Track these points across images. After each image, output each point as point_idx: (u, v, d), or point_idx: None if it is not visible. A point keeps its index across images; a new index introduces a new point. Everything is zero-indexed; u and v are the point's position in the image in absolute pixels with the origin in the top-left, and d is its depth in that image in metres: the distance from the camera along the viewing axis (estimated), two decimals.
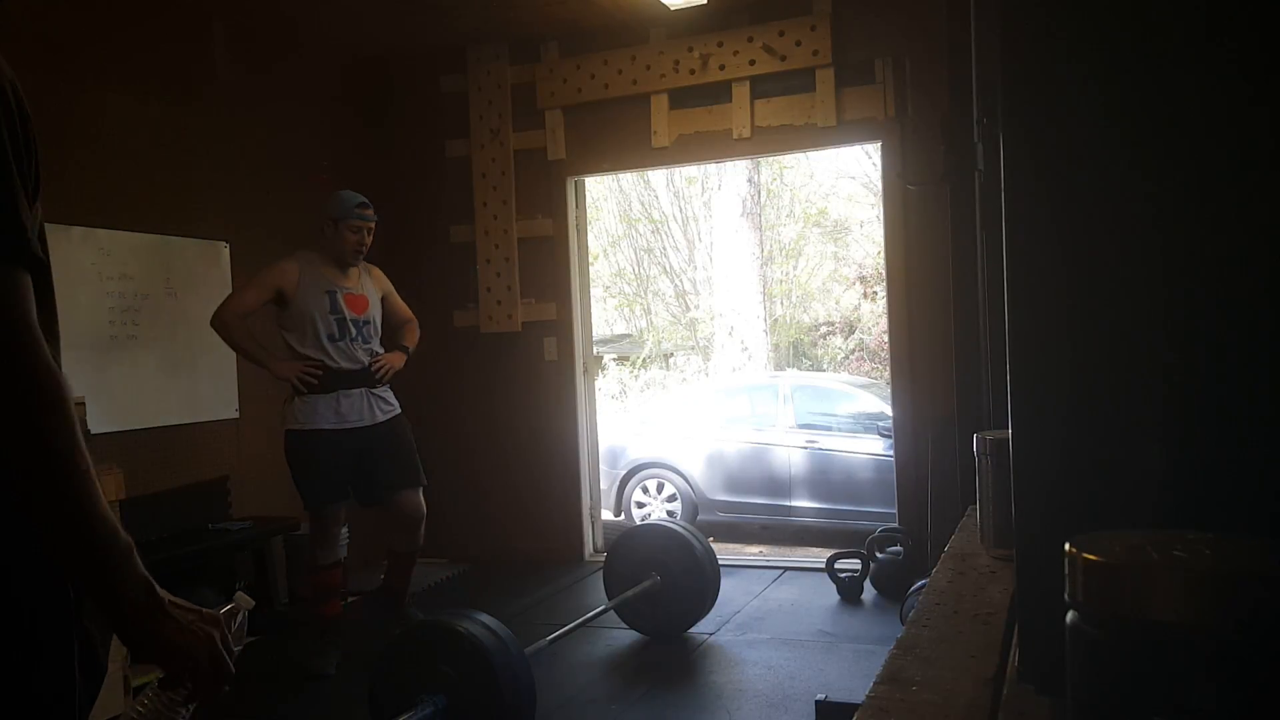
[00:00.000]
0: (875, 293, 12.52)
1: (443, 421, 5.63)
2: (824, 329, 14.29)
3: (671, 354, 14.94)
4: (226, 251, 4.78)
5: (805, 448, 6.85)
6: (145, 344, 4.37)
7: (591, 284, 6.46)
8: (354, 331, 3.90)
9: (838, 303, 14.37)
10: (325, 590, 3.95)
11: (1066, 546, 0.65)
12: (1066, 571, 0.64)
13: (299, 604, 4.47)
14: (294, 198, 5.00)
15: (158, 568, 1.05)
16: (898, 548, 4.80)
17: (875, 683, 1.11)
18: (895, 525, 5.01)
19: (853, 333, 13.63)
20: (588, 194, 6.22)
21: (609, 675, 3.89)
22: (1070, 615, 0.65)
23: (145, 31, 4.42)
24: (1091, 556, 0.62)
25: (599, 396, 6.79)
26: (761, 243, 11.88)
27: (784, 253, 14.49)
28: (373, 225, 3.95)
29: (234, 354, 4.08)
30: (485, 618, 2.96)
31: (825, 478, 6.73)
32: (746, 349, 11.49)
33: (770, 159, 11.76)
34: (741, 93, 5.20)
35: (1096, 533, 0.66)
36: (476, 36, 5.54)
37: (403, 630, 3.18)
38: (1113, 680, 0.62)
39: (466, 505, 5.66)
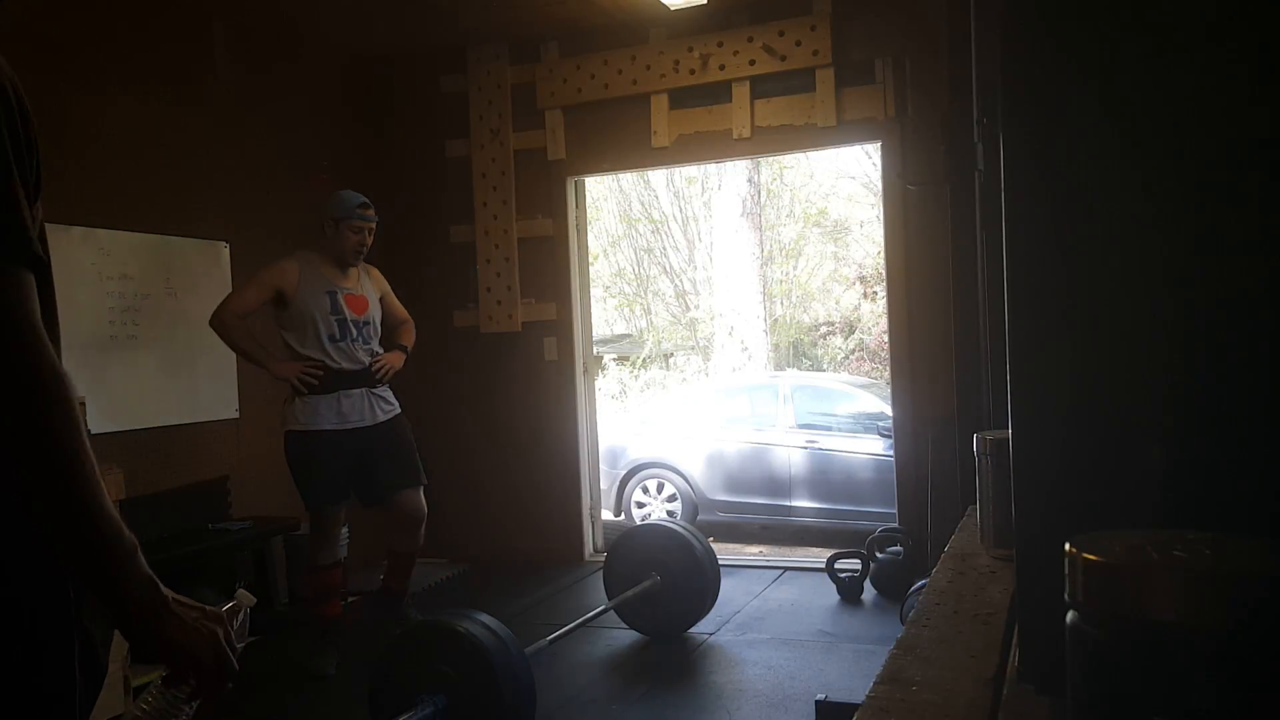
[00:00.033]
0: (875, 293, 12.52)
1: (443, 421, 5.63)
2: (824, 329, 14.29)
3: (671, 354, 14.94)
4: (226, 251, 4.78)
5: (805, 448, 6.85)
6: (145, 344, 4.36)
7: (591, 284, 6.47)
8: (354, 332, 3.89)
9: (838, 303, 14.37)
10: (325, 590, 3.95)
11: (1066, 546, 0.65)
12: (1066, 571, 0.64)
13: (299, 604, 4.47)
14: (294, 198, 5.00)
15: (157, 568, 1.05)
16: (898, 548, 4.80)
17: (875, 683, 1.11)
18: (895, 525, 5.01)
19: (853, 333, 13.63)
20: (588, 194, 6.22)
21: (609, 675, 3.89)
22: (1070, 615, 0.65)
23: (145, 31, 4.42)
24: (1091, 556, 0.62)
25: (599, 396, 6.79)
26: (761, 243, 11.88)
27: (784, 253, 14.49)
28: (374, 226, 3.95)
29: (234, 354, 4.07)
30: (485, 618, 2.96)
31: (825, 478, 6.73)
32: (746, 349, 11.49)
33: (770, 159, 11.76)
34: (741, 93, 5.20)
35: (1096, 533, 0.66)
36: (476, 36, 5.54)
37: (403, 630, 3.18)
38: (1113, 680, 0.62)
39: (466, 505, 5.66)
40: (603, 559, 4.42)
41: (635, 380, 14.30)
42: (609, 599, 4.12)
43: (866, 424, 6.79)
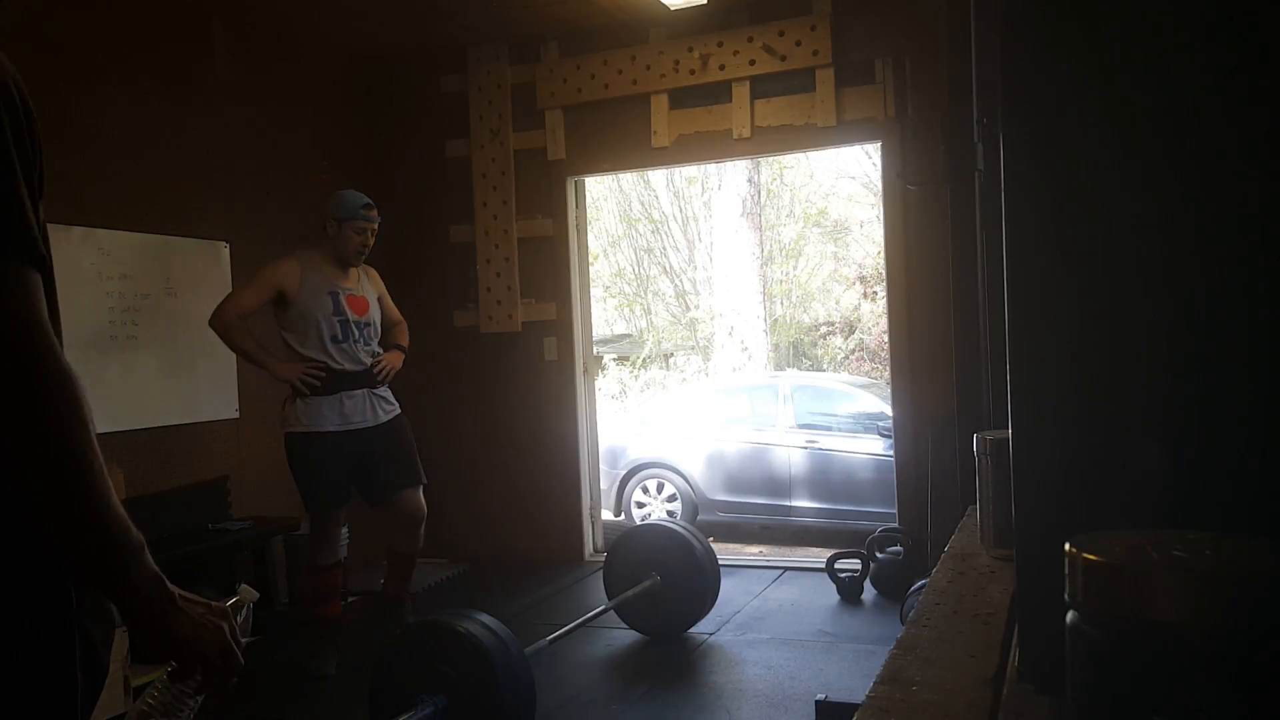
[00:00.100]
0: (875, 293, 12.52)
1: (443, 421, 5.62)
2: (824, 329, 14.29)
3: (671, 354, 14.94)
4: (226, 251, 4.78)
5: (805, 448, 6.85)
6: (145, 344, 4.36)
7: (591, 284, 6.46)
8: (356, 333, 3.88)
9: (838, 303, 14.37)
10: (325, 591, 3.95)
11: (1066, 546, 0.65)
12: (1066, 571, 0.64)
13: (299, 604, 4.47)
14: (294, 198, 5.00)
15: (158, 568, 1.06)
16: (898, 548, 4.80)
17: (875, 683, 1.11)
18: (895, 525, 5.01)
19: (853, 333, 13.63)
20: (588, 194, 6.22)
21: (609, 675, 3.89)
22: (1070, 615, 0.65)
23: (145, 31, 4.42)
24: (1091, 556, 0.62)
25: (599, 396, 6.79)
26: (761, 243, 11.88)
27: (784, 253, 14.49)
28: (376, 226, 3.94)
29: (234, 354, 4.06)
30: (485, 618, 2.96)
31: (825, 478, 6.73)
32: (746, 349, 11.49)
33: (770, 159, 11.76)
34: (741, 93, 5.20)
35: (1096, 533, 0.66)
36: (476, 36, 5.54)
37: (403, 630, 3.18)
38: (1113, 680, 0.62)
39: (466, 505, 5.66)
40: (603, 559, 4.42)
41: (635, 380, 14.30)
42: (609, 599, 4.12)
43: (866, 424, 6.79)
